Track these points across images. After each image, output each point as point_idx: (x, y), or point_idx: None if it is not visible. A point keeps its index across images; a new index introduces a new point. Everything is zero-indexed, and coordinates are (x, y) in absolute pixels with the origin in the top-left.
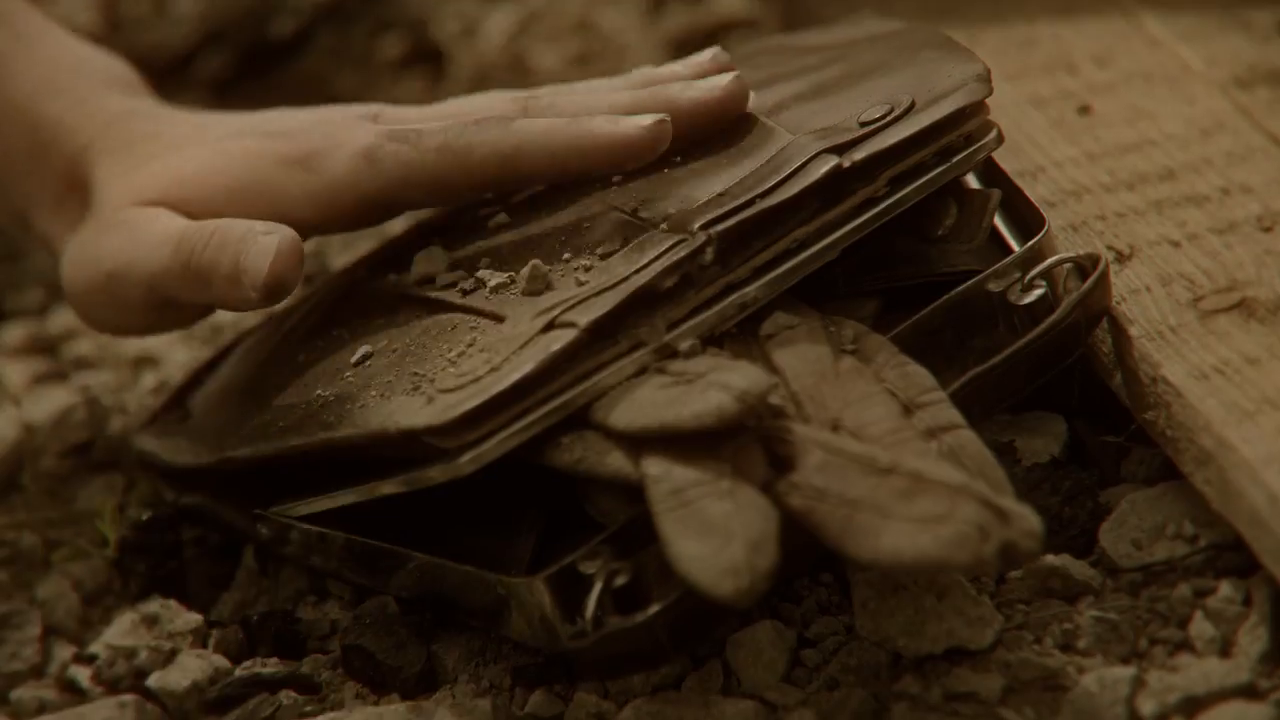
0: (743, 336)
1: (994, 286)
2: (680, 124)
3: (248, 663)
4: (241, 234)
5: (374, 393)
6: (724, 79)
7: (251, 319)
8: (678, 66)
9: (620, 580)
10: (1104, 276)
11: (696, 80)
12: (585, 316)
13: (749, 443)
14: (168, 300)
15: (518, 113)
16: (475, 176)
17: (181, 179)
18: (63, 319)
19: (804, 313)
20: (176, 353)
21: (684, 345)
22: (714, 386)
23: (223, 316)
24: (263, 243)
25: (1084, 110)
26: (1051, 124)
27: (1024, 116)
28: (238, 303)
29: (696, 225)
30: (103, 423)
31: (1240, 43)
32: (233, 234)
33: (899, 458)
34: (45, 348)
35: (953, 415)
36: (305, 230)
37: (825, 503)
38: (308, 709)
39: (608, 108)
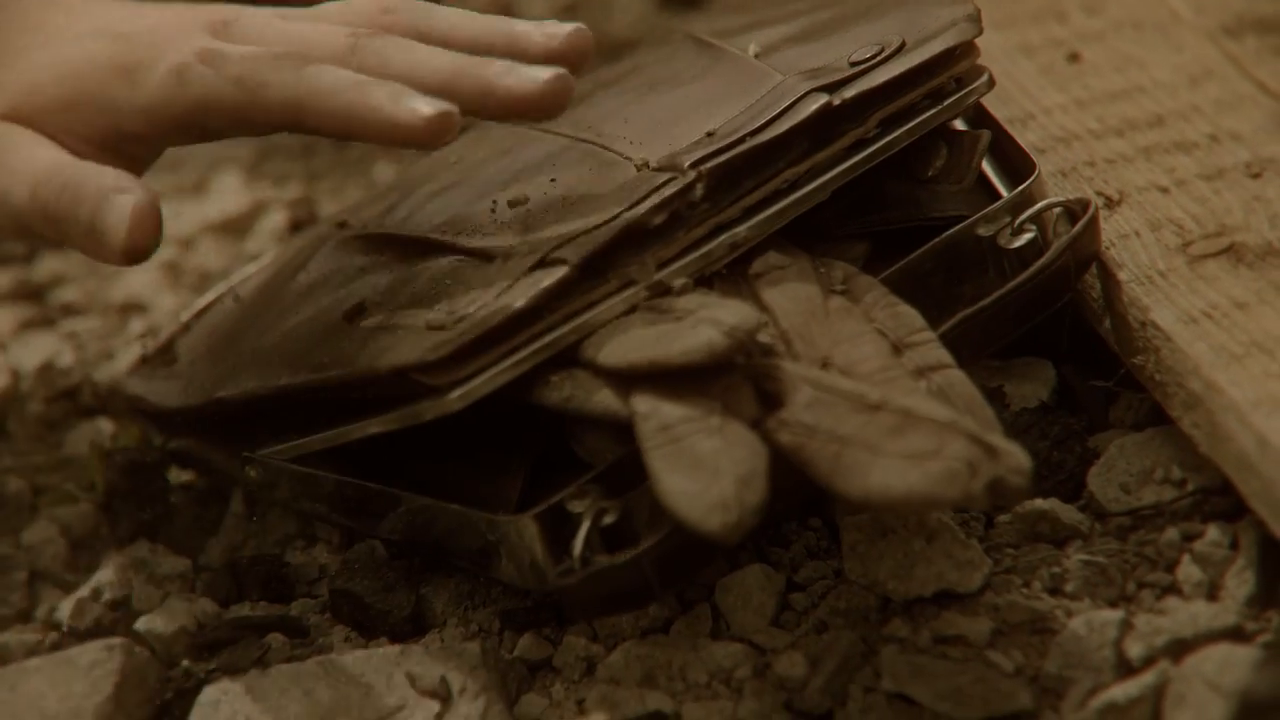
0: (732, 277)
1: (984, 231)
2: (488, 110)
3: (236, 606)
4: (95, 189)
5: (364, 332)
6: (546, 73)
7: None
8: (532, 29)
9: (608, 519)
10: (1094, 221)
11: (521, 67)
12: (576, 253)
13: (738, 380)
14: (36, 235)
15: (346, 50)
16: (264, 115)
17: (33, 86)
18: (50, 265)
19: (794, 254)
20: (164, 299)
21: (676, 283)
22: (704, 322)
23: (212, 265)
24: (117, 204)
25: (1073, 58)
26: (1041, 71)
27: (1013, 64)
28: (100, 259)
29: (686, 163)
30: (90, 368)
31: None
32: (86, 187)
33: (888, 395)
34: (32, 294)
35: (942, 355)
36: (136, 144)
37: (814, 439)
38: (296, 652)
39: (427, 73)
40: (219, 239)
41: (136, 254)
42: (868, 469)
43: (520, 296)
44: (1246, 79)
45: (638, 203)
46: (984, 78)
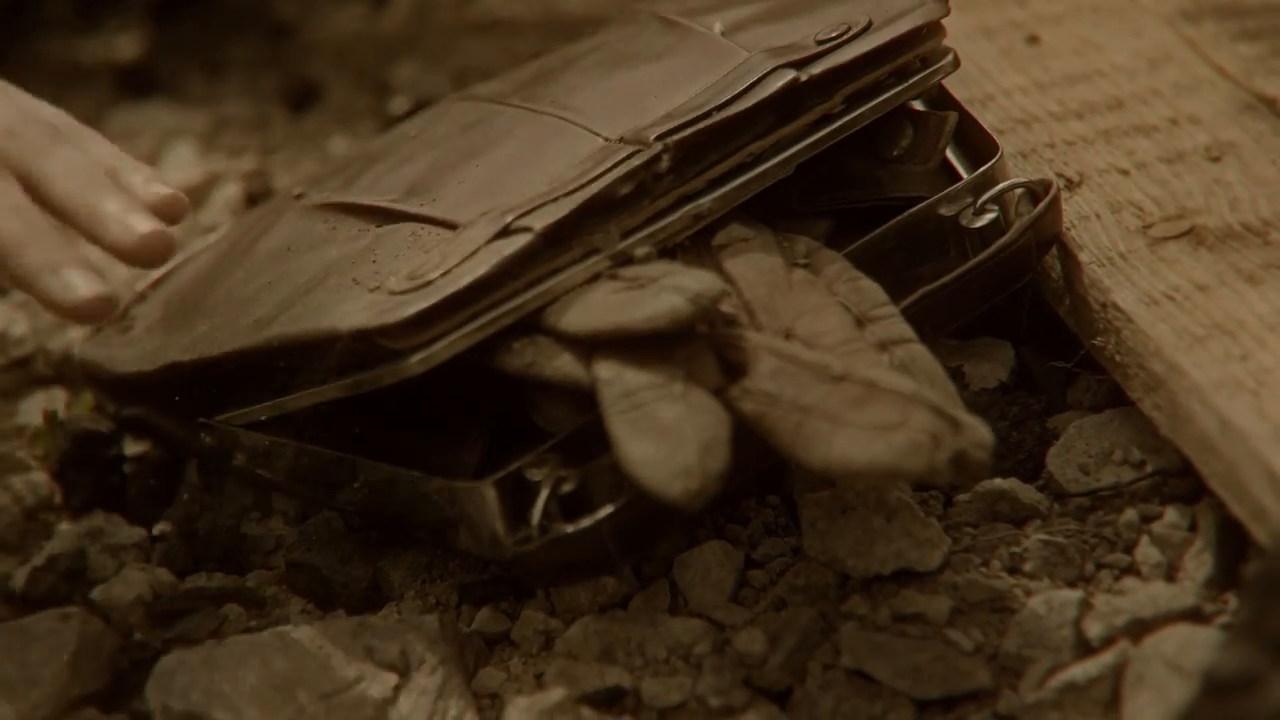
0: (696, 248)
1: (946, 210)
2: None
3: (192, 577)
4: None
5: (324, 296)
6: (144, 227)
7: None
8: (137, 179)
9: (567, 487)
10: (1055, 201)
11: (129, 214)
12: (540, 221)
13: (701, 348)
14: None
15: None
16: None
17: None
18: None
19: (757, 227)
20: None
21: (639, 252)
22: (667, 289)
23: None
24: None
25: (1032, 40)
26: (1001, 53)
27: (973, 46)
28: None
29: (652, 136)
30: (43, 338)
31: None
32: None
33: (851, 366)
34: None
35: (904, 329)
36: None
37: (777, 408)
38: (252, 624)
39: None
40: None
41: None
42: (830, 439)
43: (483, 264)
44: (1205, 63)
45: (604, 173)
46: (949, 57)
